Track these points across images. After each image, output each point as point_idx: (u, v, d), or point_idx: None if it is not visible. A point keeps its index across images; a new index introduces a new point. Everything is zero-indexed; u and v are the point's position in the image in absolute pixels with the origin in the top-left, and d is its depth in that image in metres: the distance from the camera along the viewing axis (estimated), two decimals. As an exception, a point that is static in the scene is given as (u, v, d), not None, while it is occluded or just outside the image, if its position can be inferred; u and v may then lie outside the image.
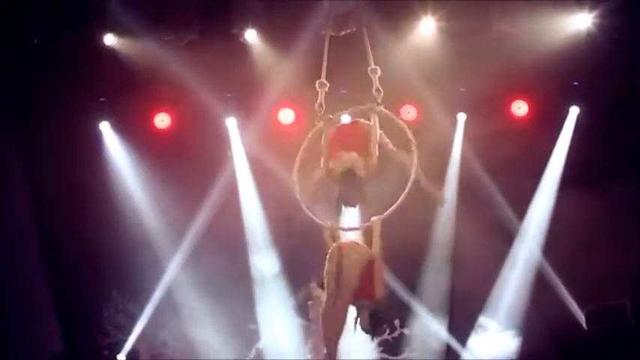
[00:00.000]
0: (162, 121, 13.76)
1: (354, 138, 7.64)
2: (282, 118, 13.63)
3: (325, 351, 7.41)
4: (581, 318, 13.15)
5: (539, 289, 13.39)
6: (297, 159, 7.79)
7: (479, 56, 12.78)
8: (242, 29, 12.89)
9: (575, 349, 13.11)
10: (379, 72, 7.93)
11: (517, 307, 13.40)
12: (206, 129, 13.57)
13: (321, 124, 7.72)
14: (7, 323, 13.13)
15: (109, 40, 12.92)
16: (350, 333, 7.79)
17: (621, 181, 12.99)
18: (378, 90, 7.89)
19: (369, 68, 7.96)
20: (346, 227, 7.67)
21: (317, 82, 7.97)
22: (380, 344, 13.53)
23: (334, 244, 7.45)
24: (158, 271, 13.56)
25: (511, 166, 13.16)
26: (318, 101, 7.83)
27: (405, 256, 13.02)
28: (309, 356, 13.48)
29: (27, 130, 13.23)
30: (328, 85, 7.94)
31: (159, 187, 13.45)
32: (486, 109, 13.40)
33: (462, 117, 13.68)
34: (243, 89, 13.36)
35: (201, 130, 13.57)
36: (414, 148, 7.70)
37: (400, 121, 7.92)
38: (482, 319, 13.47)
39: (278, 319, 13.58)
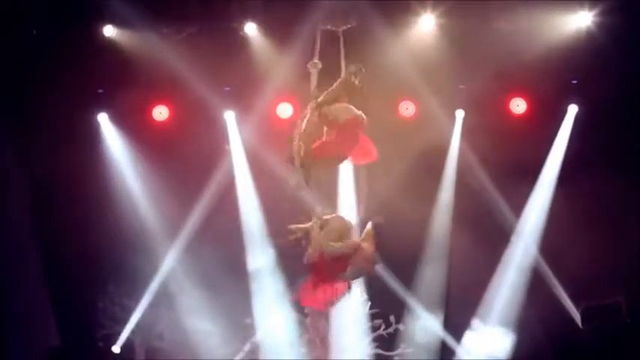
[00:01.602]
0: (160, 113, 13.75)
1: None
2: (281, 112, 13.63)
3: None
4: (577, 316, 13.17)
5: (535, 287, 13.41)
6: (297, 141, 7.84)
7: (478, 53, 12.77)
8: (241, 23, 12.88)
9: (570, 347, 13.13)
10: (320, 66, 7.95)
11: (512, 305, 13.42)
12: (204, 122, 13.56)
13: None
14: (4, 316, 13.12)
15: (109, 31, 12.90)
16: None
17: (619, 180, 12.98)
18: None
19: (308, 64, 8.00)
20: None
21: (309, 63, 8.01)
22: (375, 340, 13.56)
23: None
24: (155, 265, 13.56)
25: (508, 163, 13.17)
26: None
27: (402, 252, 13.04)
28: (303, 350, 13.50)
29: (24, 121, 13.20)
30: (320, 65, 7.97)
31: (156, 180, 13.45)
32: (485, 106, 13.40)
33: (460, 114, 13.68)
34: (241, 83, 13.35)
35: (199, 123, 13.56)
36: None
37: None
38: (477, 317, 13.48)
39: (273, 314, 13.59)
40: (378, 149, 7.82)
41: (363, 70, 7.98)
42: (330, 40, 8.84)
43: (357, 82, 7.83)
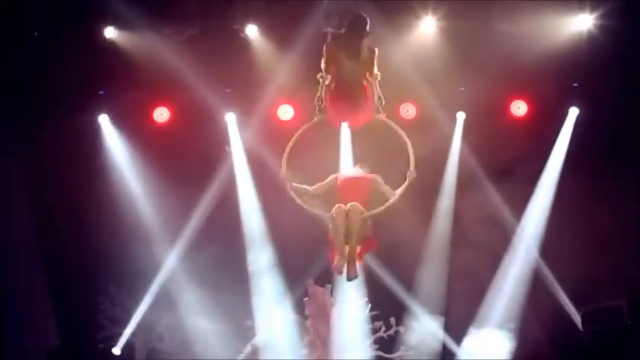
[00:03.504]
0: (161, 115, 13.77)
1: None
2: (281, 114, 13.64)
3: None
4: (577, 319, 13.16)
5: (536, 289, 13.40)
6: (287, 149, 7.89)
7: (479, 56, 12.78)
8: (243, 25, 12.88)
9: (570, 349, 13.11)
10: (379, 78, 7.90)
11: (513, 308, 13.41)
12: (205, 124, 13.57)
13: (317, 118, 7.81)
14: (4, 317, 13.12)
15: (110, 33, 12.91)
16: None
17: (620, 182, 13.00)
18: (380, 99, 7.88)
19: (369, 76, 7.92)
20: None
21: (318, 74, 7.95)
22: (375, 342, 13.55)
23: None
24: (155, 266, 13.56)
25: (509, 165, 13.17)
26: (318, 95, 7.83)
27: (402, 254, 13.05)
28: (304, 352, 13.49)
29: (25, 122, 13.22)
30: (329, 77, 7.88)
31: (157, 182, 13.45)
32: (486, 108, 13.40)
33: (461, 116, 13.68)
34: (242, 85, 13.36)
35: (200, 125, 13.57)
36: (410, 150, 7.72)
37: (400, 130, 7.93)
38: (477, 319, 13.47)
39: (274, 316, 13.58)
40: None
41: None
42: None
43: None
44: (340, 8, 8.98)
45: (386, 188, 7.80)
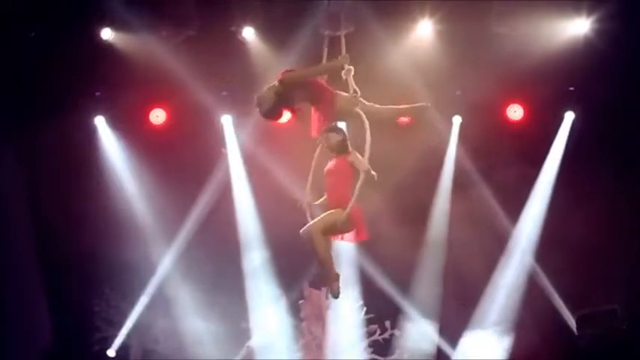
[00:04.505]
0: (157, 117, 13.76)
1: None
2: (278, 116, 13.62)
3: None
4: (572, 323, 13.17)
5: (531, 293, 13.41)
6: (310, 179, 7.97)
7: (475, 59, 12.78)
8: (240, 27, 12.88)
9: (566, 353, 13.11)
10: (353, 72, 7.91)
11: (508, 311, 13.42)
12: (201, 126, 13.57)
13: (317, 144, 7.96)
14: (0, 319, 13.11)
15: (106, 34, 12.90)
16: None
17: (616, 187, 13.01)
18: (355, 91, 7.95)
19: (342, 71, 7.98)
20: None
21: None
22: (370, 345, 13.56)
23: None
24: (151, 268, 13.55)
25: (505, 169, 13.18)
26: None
27: (398, 257, 13.05)
28: (299, 355, 13.49)
29: (22, 123, 13.20)
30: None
31: (153, 183, 13.45)
32: (482, 112, 13.40)
33: (457, 120, 13.69)
34: (239, 87, 13.35)
35: (196, 127, 13.56)
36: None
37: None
38: (473, 323, 13.48)
39: (269, 318, 13.58)
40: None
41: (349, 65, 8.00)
42: (330, 44, 8.83)
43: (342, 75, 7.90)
44: (341, 9, 9.01)
45: (361, 165, 7.66)
